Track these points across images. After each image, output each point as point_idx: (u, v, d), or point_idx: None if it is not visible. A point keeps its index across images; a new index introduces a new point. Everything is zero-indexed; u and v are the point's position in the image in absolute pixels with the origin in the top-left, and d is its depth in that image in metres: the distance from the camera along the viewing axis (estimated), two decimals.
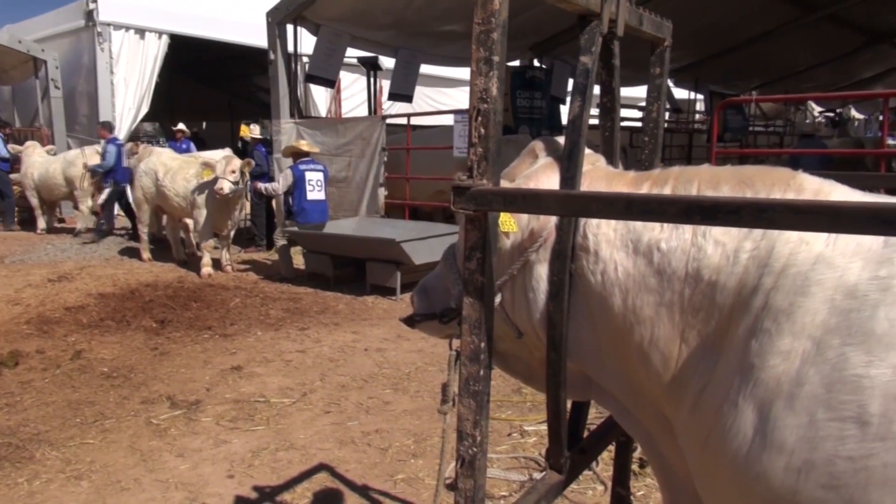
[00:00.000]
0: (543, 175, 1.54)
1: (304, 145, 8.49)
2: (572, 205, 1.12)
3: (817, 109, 22.84)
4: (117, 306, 6.86)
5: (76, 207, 11.75)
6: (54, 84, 12.81)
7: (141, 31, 13.56)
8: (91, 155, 10.77)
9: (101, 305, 6.91)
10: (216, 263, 8.64)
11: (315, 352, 5.64)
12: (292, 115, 10.02)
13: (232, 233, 8.95)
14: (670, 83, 16.33)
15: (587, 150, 1.67)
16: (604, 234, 1.47)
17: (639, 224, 1.42)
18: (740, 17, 12.83)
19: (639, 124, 17.79)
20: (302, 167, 8.16)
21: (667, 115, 17.16)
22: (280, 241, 8.42)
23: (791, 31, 14.09)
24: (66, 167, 11.16)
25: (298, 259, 8.63)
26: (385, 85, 12.43)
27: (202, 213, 8.34)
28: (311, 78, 10.39)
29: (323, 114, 14.64)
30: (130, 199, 10.22)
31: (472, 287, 1.23)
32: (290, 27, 9.82)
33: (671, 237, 1.40)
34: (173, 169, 8.66)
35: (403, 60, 11.33)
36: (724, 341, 1.33)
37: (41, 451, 3.84)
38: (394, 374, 5.08)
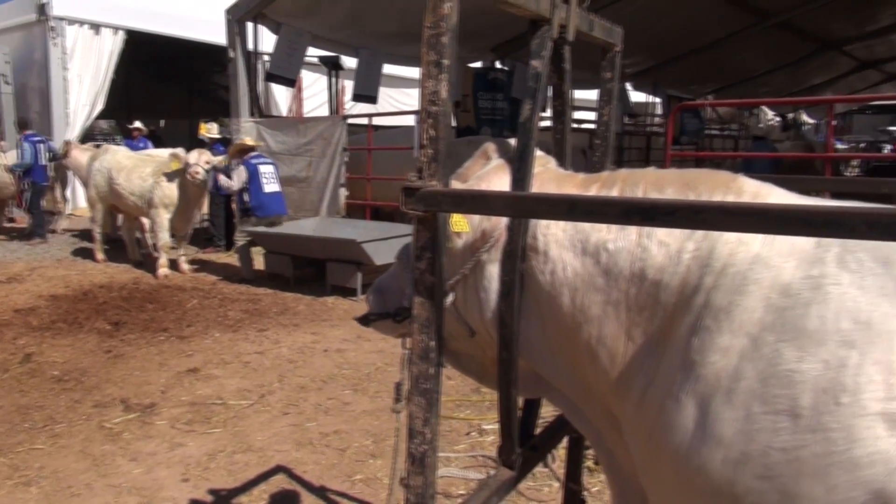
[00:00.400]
0: (495, 176, 1.56)
1: (249, 141, 8.41)
2: (519, 206, 1.14)
3: (770, 113, 23.47)
4: (69, 308, 6.69)
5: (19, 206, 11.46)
6: (4, 79, 12.41)
7: (96, 27, 13.23)
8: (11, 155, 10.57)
9: (52, 307, 6.74)
10: (173, 264, 8.49)
11: (274, 353, 5.59)
12: (252, 114, 9.90)
13: (189, 233, 8.80)
14: (629, 87, 16.63)
15: (539, 153, 1.70)
16: (553, 235, 1.50)
17: (587, 225, 1.46)
18: (697, 23, 13.13)
19: (595, 127, 18.08)
20: (254, 161, 8.12)
21: (625, 118, 17.48)
22: (240, 242, 8.32)
23: (746, 38, 14.46)
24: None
25: (259, 260, 8.53)
26: (347, 85, 12.37)
27: (159, 213, 8.19)
28: (271, 77, 10.29)
29: (284, 113, 14.48)
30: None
31: (422, 286, 1.25)
32: (249, 24, 9.70)
33: (618, 238, 1.43)
34: (128, 167, 8.48)
35: (365, 61, 11.30)
36: (668, 339, 1.37)
37: None
38: (353, 374, 5.07)
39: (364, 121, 9.89)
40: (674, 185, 1.45)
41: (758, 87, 18.87)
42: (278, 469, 3.67)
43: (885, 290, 1.17)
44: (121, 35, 13.62)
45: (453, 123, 12.39)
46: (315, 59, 11.47)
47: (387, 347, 5.55)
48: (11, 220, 12.54)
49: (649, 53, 15.11)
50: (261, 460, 3.76)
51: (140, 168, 8.43)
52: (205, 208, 10.00)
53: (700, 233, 1.35)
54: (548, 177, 1.60)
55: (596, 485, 3.40)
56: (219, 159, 8.22)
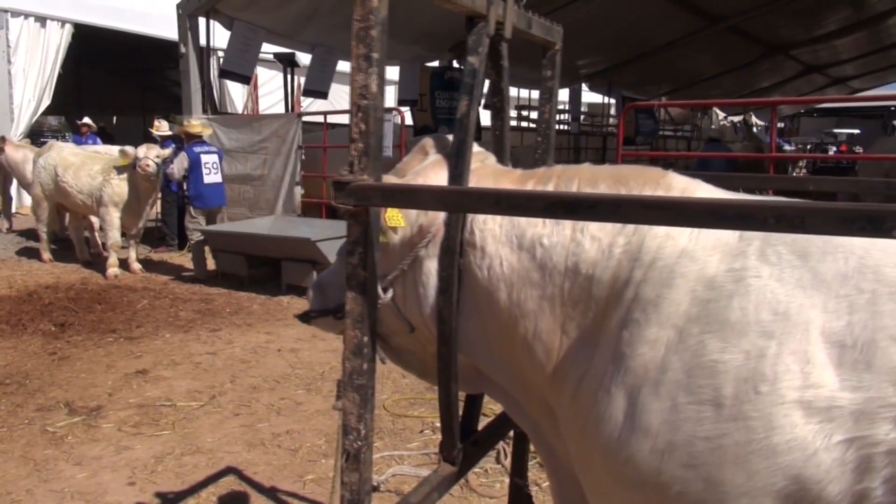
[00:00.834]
0: (432, 171, 1.57)
1: (196, 126, 8.27)
2: (446, 200, 1.15)
3: (721, 115, 24.04)
4: (13, 309, 6.47)
5: None
6: None
7: (42, 19, 12.81)
8: None
9: None
10: (123, 263, 8.28)
11: (226, 353, 5.50)
12: (205, 111, 9.73)
13: (140, 232, 8.60)
14: (584, 87, 16.84)
15: (478, 149, 1.72)
16: (490, 230, 1.52)
17: (523, 221, 1.47)
18: (650, 26, 13.38)
19: (558, 126, 18.29)
20: (196, 149, 8.02)
21: (582, 119, 17.70)
22: (193, 240, 8.17)
23: (696, 41, 14.81)
24: None
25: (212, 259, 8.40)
26: (304, 82, 12.26)
27: (109, 211, 7.99)
28: (225, 73, 10.13)
29: (240, 110, 14.28)
30: None
31: (354, 281, 1.25)
32: (202, 20, 9.52)
33: (552, 233, 1.45)
34: (75, 164, 8.24)
35: (320, 57, 11.20)
36: (601, 332, 1.39)
37: None
38: (307, 374, 5.03)
39: (319, 118, 9.80)
40: (606, 181, 1.47)
41: (709, 90, 19.33)
42: (228, 470, 3.62)
43: (801, 281, 1.21)
44: (68, 28, 13.22)
45: (409, 122, 12.38)
46: (270, 56, 11.32)
47: (341, 346, 5.51)
48: None
49: (604, 55, 15.35)
50: (210, 462, 3.70)
51: (88, 165, 8.21)
52: (157, 207, 9.82)
53: (630, 227, 1.38)
54: (485, 172, 1.61)
55: (546, 479, 3.44)
56: (168, 152, 8.07)
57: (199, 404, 4.46)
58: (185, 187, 8.08)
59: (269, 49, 10.99)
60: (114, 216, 8.00)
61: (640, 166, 1.52)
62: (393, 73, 13.51)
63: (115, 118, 26.93)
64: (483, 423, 1.98)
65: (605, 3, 11.59)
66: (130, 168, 7.82)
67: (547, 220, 1.45)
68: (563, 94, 17.75)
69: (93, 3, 13.40)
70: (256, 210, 9.28)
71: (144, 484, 3.45)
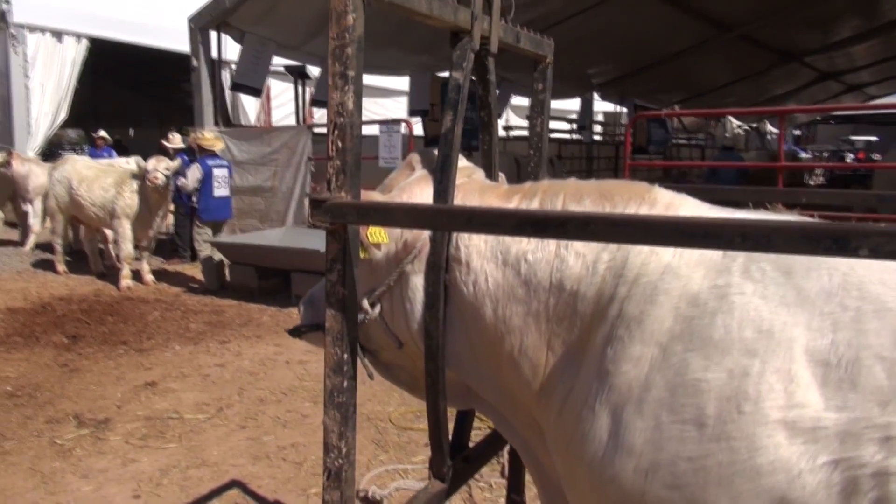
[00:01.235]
0: (417, 187, 1.57)
1: (208, 139, 8.37)
2: (419, 217, 1.15)
3: (735, 123, 23.89)
4: (26, 321, 6.55)
5: None
6: None
7: (58, 34, 13.02)
8: None
9: (8, 321, 6.59)
10: (136, 275, 8.36)
11: (235, 365, 5.52)
12: (217, 123, 9.82)
13: (153, 243, 8.68)
14: (596, 96, 16.80)
15: (465, 164, 1.71)
16: (475, 246, 1.51)
17: (508, 237, 1.47)
18: (660, 34, 13.33)
19: (567, 136, 18.28)
20: (209, 162, 8.13)
21: (595, 128, 17.63)
22: (204, 252, 8.24)
23: (708, 49, 14.74)
24: None
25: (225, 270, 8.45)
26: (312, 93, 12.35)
27: (121, 223, 8.07)
28: (237, 86, 10.23)
29: (253, 121, 14.40)
30: None
31: (333, 298, 1.25)
32: (213, 33, 9.63)
33: (537, 249, 1.45)
34: (89, 177, 8.35)
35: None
36: (586, 349, 1.38)
37: None
38: (314, 386, 5.03)
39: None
40: (591, 196, 1.46)
41: (723, 98, 19.25)
42: (233, 484, 3.63)
43: (785, 299, 1.20)
44: (84, 43, 13.43)
45: (420, 133, 12.41)
46: (282, 69, 11.42)
47: None
48: None
49: (615, 64, 15.33)
50: (215, 475, 3.71)
51: (101, 178, 8.31)
52: (171, 218, 9.91)
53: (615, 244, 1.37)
54: (471, 188, 1.61)
55: None
56: (177, 164, 8.15)
57: (206, 417, 4.47)
58: (194, 199, 8.17)
59: (281, 62, 11.09)
60: (126, 228, 8.08)
61: (626, 181, 1.51)
62: (403, 83, 13.57)
63: (131, 130, 27.25)
64: (480, 436, 1.97)
65: (615, 13, 11.59)
66: (141, 180, 7.91)
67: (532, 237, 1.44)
68: (575, 104, 17.74)
69: (108, 18, 13.59)
70: (267, 221, 9.34)
71: (149, 497, 3.46)
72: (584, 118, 17.24)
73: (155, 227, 8.41)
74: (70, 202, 8.50)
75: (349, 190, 1.19)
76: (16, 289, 8.08)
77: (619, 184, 1.50)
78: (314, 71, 11.74)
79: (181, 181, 8.06)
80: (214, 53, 9.84)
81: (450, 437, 1.72)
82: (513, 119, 20.28)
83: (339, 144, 1.18)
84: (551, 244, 1.43)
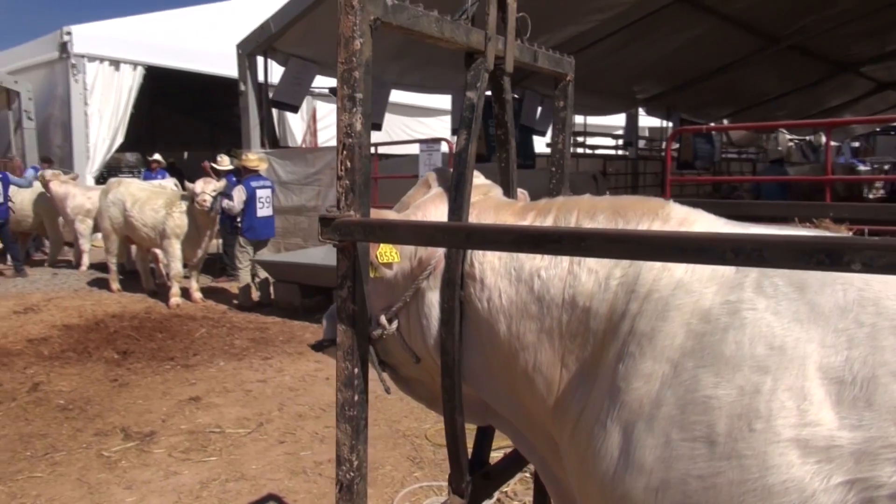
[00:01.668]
0: (432, 205, 1.59)
1: (253, 161, 8.58)
2: (420, 235, 1.17)
3: (788, 136, 23.29)
4: (80, 338, 6.81)
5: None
6: (27, 115, 12.82)
7: (115, 63, 13.64)
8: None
9: (64, 337, 6.86)
10: (185, 293, 8.61)
11: (276, 381, 5.62)
12: (263, 145, 10.09)
13: (201, 262, 8.93)
14: (641, 112, 16.64)
15: (483, 181, 1.73)
16: (489, 263, 1.52)
17: (522, 254, 1.48)
18: (706, 47, 13.16)
19: (612, 152, 18.12)
20: (253, 184, 8.37)
21: (640, 143, 17.43)
22: (243, 271, 8.45)
23: (757, 61, 14.46)
24: (36, 197, 11.11)
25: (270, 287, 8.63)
26: None
27: (171, 243, 8.35)
28: (276, 103, 10.51)
29: (299, 143, 14.74)
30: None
31: (343, 314, 1.27)
32: (260, 59, 9.93)
33: (550, 265, 1.45)
34: (141, 199, 8.67)
35: (373, 89, 11.48)
36: (599, 365, 1.37)
37: None
38: None
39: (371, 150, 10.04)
40: (605, 213, 1.46)
41: (774, 110, 18.82)
42: (269, 498, 3.68)
43: (798, 315, 1.17)
44: (140, 70, 14.01)
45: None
46: (327, 90, 11.67)
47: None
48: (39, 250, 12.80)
49: (661, 78, 15.16)
50: (253, 489, 3.77)
51: (153, 199, 8.62)
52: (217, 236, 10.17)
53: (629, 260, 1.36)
54: (487, 205, 1.62)
55: None
56: (223, 184, 8.40)
57: (247, 431, 4.56)
58: (238, 219, 8.42)
59: (326, 83, 11.33)
60: (175, 248, 8.35)
61: (641, 197, 1.51)
62: (446, 101, 13.70)
63: (185, 153, 28.16)
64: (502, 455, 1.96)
65: (659, 27, 11.50)
66: (190, 202, 8.18)
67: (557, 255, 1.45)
68: (620, 119, 17.60)
69: (162, 46, 14.17)
70: (311, 240, 9.51)
71: None
72: (630, 134, 17.09)
73: (204, 246, 8.66)
74: (124, 223, 8.83)
75: (358, 208, 1.22)
76: (72, 306, 8.40)
77: (633, 200, 1.50)
78: None
79: (226, 203, 8.30)
80: (261, 78, 10.12)
81: (469, 453, 1.72)
82: None
83: (348, 164, 1.21)
84: (564, 261, 1.43)
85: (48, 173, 10.84)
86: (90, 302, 8.71)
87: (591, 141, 18.39)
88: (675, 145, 16.40)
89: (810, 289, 1.19)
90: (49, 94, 13.71)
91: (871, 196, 17.42)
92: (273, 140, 10.62)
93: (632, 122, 17.19)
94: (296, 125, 15.15)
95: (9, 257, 10.68)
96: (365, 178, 1.24)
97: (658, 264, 1.32)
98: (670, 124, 17.54)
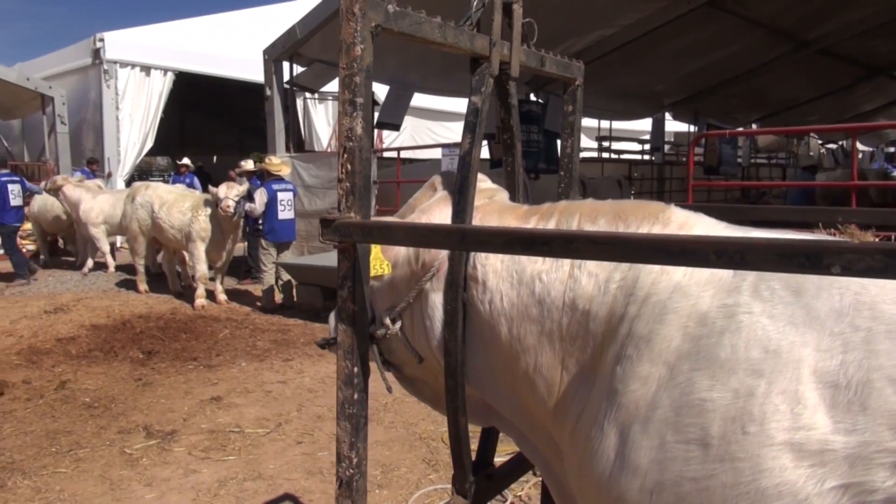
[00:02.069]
0: (436, 208, 1.61)
1: (275, 165, 8.68)
2: (416, 236, 1.19)
3: (819, 141, 22.90)
4: (107, 337, 6.95)
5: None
6: (61, 120, 13.14)
7: (146, 69, 13.92)
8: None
9: (91, 336, 7.01)
10: (210, 295, 8.74)
11: (296, 383, 5.68)
12: (288, 149, 10.22)
13: (226, 264, 9.06)
14: (668, 116, 16.49)
15: (489, 185, 1.75)
16: (491, 266, 1.54)
17: (524, 257, 1.49)
18: (734, 51, 13.00)
19: (637, 157, 17.98)
20: (275, 187, 8.48)
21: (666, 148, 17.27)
22: (267, 273, 8.56)
23: (786, 65, 14.23)
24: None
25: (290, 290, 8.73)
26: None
27: (196, 245, 8.49)
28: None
29: (325, 147, 14.88)
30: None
31: (343, 314, 1.30)
32: (286, 64, 10.06)
33: (551, 269, 1.46)
34: (169, 202, 8.84)
35: (395, 92, 11.59)
36: (597, 368, 1.38)
37: (13, 480, 3.89)
38: (371, 404, 5.05)
39: (394, 154, 10.13)
40: (606, 217, 1.47)
41: (805, 115, 18.49)
42: (286, 497, 3.73)
43: (794, 318, 1.17)
44: (170, 76, 14.28)
45: (487, 156, 12.50)
46: None
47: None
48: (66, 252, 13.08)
49: (687, 83, 15.01)
50: (270, 488, 3.82)
51: (180, 202, 8.78)
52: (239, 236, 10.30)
53: (627, 263, 1.37)
54: (491, 209, 1.64)
55: None
56: (245, 187, 8.52)
57: (266, 431, 4.61)
58: (260, 221, 8.54)
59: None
60: (201, 250, 8.49)
61: (642, 202, 1.51)
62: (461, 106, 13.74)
63: (214, 157, 28.58)
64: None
65: (686, 31, 11.40)
66: (214, 206, 8.31)
67: (547, 257, 1.46)
68: (646, 124, 17.46)
69: (192, 52, 14.43)
70: None
71: None
72: (657, 139, 16.94)
73: (228, 249, 8.79)
74: (152, 225, 9.00)
75: (358, 210, 1.25)
76: (100, 307, 8.58)
77: (635, 204, 1.50)
78: (382, 96, 12.08)
79: (248, 206, 8.42)
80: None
81: (474, 455, 1.73)
82: (584, 141, 20.10)
83: (349, 168, 1.24)
84: (565, 264, 1.45)
85: (59, 178, 11.01)
86: (118, 303, 8.88)
87: (616, 146, 18.28)
88: (700, 150, 16.27)
89: (807, 293, 1.19)
90: (82, 99, 14.04)
91: None
92: (298, 144, 10.75)
93: (658, 126, 17.05)
94: (322, 129, 15.30)
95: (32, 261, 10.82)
96: (365, 181, 1.26)
97: (657, 268, 1.33)
98: (696, 129, 17.36)
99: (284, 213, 8.50)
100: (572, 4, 9.28)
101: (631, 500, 1.24)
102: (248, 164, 9.42)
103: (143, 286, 9.48)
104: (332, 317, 1.93)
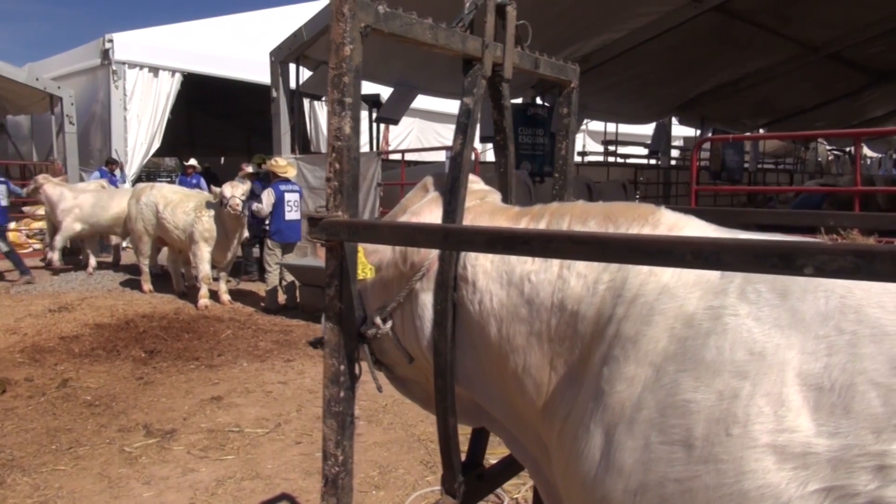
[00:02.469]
0: (427, 209, 1.62)
1: (281, 166, 8.71)
2: (400, 235, 1.19)
3: (827, 147, 22.83)
4: (110, 336, 6.98)
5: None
6: (69, 120, 13.21)
7: (155, 70, 13.98)
8: None
9: (95, 335, 7.04)
10: (214, 295, 8.77)
11: (297, 383, 5.69)
12: (293, 151, 10.25)
13: (230, 265, 9.09)
14: (675, 121, 16.46)
15: (482, 186, 1.76)
16: (481, 266, 1.54)
17: (514, 257, 1.49)
18: (741, 56, 12.99)
19: (643, 161, 17.96)
20: (281, 187, 8.52)
21: (673, 152, 17.24)
22: (272, 274, 8.59)
23: (794, 70, 14.21)
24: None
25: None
26: (390, 126, 12.75)
27: (199, 246, 8.52)
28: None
29: None
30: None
31: (331, 312, 1.30)
32: (292, 66, 10.10)
33: (540, 269, 1.47)
34: (174, 202, 8.88)
35: (399, 91, 11.65)
36: (585, 369, 1.38)
37: (12, 477, 3.91)
38: (370, 406, 5.12)
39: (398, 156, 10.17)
40: (596, 218, 1.47)
41: (813, 121, 18.45)
42: (283, 497, 3.74)
43: (779, 321, 1.17)
44: (178, 77, 14.35)
45: (492, 159, 12.54)
46: None
47: None
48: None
49: (694, 87, 15.01)
50: (267, 488, 3.83)
51: (184, 203, 8.82)
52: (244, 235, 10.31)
53: (615, 264, 1.37)
54: (482, 210, 1.64)
55: None
56: (248, 186, 8.56)
57: (265, 431, 4.63)
58: (266, 222, 8.59)
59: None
60: (204, 250, 8.52)
61: (633, 203, 1.52)
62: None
63: (222, 158, 28.69)
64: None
65: (691, 37, 11.39)
66: (218, 206, 8.34)
67: (536, 258, 1.46)
68: (649, 128, 17.45)
69: (200, 54, 14.49)
70: None
71: None
72: (658, 143, 16.92)
73: (232, 249, 8.81)
74: (157, 225, 9.04)
75: (346, 209, 1.26)
76: (104, 306, 8.63)
77: (625, 206, 1.50)
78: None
79: (255, 206, 8.46)
80: (293, 84, 10.30)
81: (463, 455, 1.73)
82: (590, 144, 20.14)
83: (337, 167, 1.25)
84: (554, 265, 1.45)
85: (40, 177, 10.97)
86: (122, 302, 8.92)
87: (623, 150, 18.28)
88: (705, 155, 16.24)
89: (792, 295, 1.18)
90: (90, 100, 14.12)
91: None
92: (304, 145, 10.78)
93: (661, 130, 17.02)
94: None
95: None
96: (353, 181, 1.27)
97: (645, 269, 1.33)
98: (708, 134, 17.34)
99: (291, 214, 8.55)
100: (580, 8, 9.29)
101: (615, 500, 1.24)
102: (249, 168, 9.46)
103: (147, 286, 9.52)
104: (324, 317, 1.93)
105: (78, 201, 10.60)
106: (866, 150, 24.76)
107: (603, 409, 1.29)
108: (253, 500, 3.68)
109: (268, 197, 8.47)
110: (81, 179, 13.10)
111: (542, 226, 1.52)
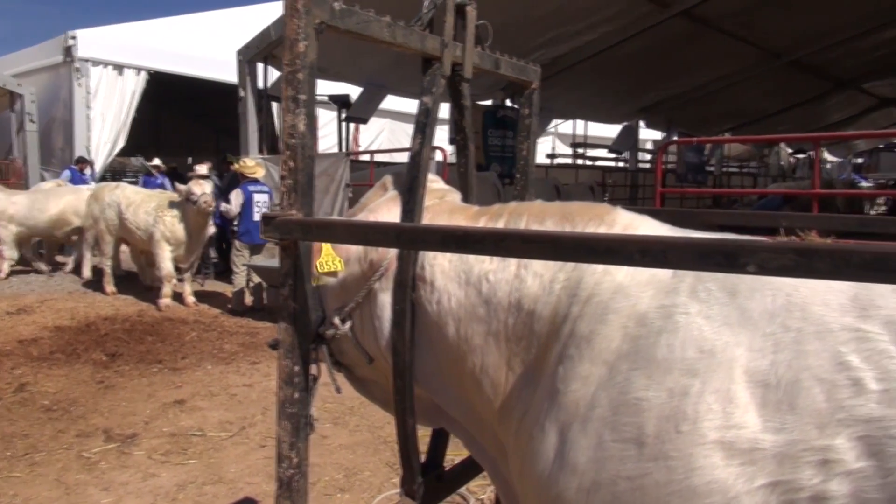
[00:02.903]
0: (385, 208, 1.61)
1: (250, 167, 8.62)
2: (354, 234, 1.18)
3: (788, 151, 23.34)
4: (70, 339, 6.82)
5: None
6: (29, 118, 12.89)
7: (119, 67, 13.73)
8: None
9: (54, 338, 6.87)
10: (178, 297, 8.62)
11: (262, 386, 5.62)
12: (261, 151, 10.14)
13: (194, 265, 8.96)
14: (641, 124, 16.68)
15: (441, 186, 1.75)
16: (439, 266, 1.54)
17: (471, 257, 1.49)
18: (707, 62, 13.21)
19: (611, 164, 18.16)
20: (250, 188, 8.42)
21: (640, 155, 17.46)
22: (239, 275, 8.48)
23: (758, 76, 14.49)
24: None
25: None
26: (361, 127, 12.67)
27: (160, 245, 8.37)
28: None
29: None
30: None
31: (285, 312, 1.29)
32: (260, 65, 10.00)
33: (498, 269, 1.47)
34: (136, 202, 8.73)
35: (369, 91, 11.62)
36: (541, 368, 1.39)
37: None
38: (336, 408, 5.07)
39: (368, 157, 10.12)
40: (554, 217, 1.48)
41: (776, 125, 18.83)
42: (245, 501, 3.68)
43: (728, 319, 1.19)
44: (143, 75, 14.11)
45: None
46: (325, 98, 11.73)
47: None
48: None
49: (661, 91, 15.21)
50: (230, 492, 3.77)
51: (146, 203, 8.68)
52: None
53: (571, 264, 1.38)
54: (441, 209, 1.64)
55: None
56: (212, 184, 8.46)
57: (229, 435, 4.56)
58: (235, 223, 8.48)
59: (324, 91, 11.41)
60: (165, 250, 8.38)
61: (590, 203, 1.53)
62: (444, 111, 13.81)
63: (189, 159, 28.27)
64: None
65: (658, 40, 11.55)
66: (183, 205, 8.20)
67: (494, 258, 1.47)
68: (614, 130, 17.66)
69: (166, 52, 14.26)
70: None
71: None
72: (622, 144, 17.13)
73: (196, 250, 8.68)
74: (119, 225, 8.87)
75: (300, 208, 1.24)
76: (65, 308, 8.42)
77: (582, 206, 1.51)
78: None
79: (224, 206, 8.35)
80: (261, 84, 10.19)
81: (422, 456, 1.73)
82: (559, 147, 20.30)
83: (292, 164, 1.23)
84: (511, 265, 1.45)
85: None
86: (83, 304, 8.72)
87: (592, 153, 18.45)
88: (671, 157, 16.48)
89: (741, 294, 1.20)
90: (52, 98, 13.80)
91: (872, 212, 17.43)
92: (272, 146, 10.67)
93: (627, 132, 17.23)
94: None
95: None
96: (308, 178, 1.26)
97: (600, 269, 1.34)
98: (674, 138, 17.59)
99: (260, 215, 8.47)
100: (549, 10, 9.35)
101: (568, 499, 1.25)
102: (203, 169, 9.33)
103: (110, 287, 9.32)
104: None
105: (12, 203, 10.24)
106: (827, 155, 25.34)
107: (558, 408, 1.30)
108: None
109: (236, 197, 8.37)
110: (42, 179, 12.80)
111: (500, 225, 1.53)
